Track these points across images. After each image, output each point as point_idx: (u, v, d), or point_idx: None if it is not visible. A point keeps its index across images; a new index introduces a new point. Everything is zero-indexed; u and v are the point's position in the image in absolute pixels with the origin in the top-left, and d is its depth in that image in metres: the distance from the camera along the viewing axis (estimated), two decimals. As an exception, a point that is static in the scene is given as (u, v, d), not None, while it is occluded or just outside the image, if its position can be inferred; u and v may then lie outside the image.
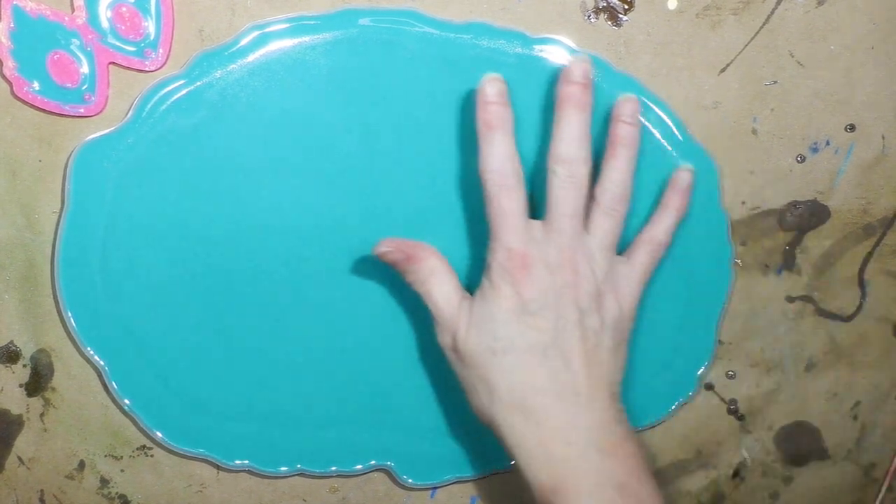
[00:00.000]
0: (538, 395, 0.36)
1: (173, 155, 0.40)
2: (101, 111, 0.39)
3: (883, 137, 0.44)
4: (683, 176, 0.41)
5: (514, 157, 0.38)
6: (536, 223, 0.38)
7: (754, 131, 0.43)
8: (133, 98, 0.39)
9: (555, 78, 0.40)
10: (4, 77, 0.38)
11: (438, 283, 0.39)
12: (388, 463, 0.44)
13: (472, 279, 0.42)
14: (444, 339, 0.39)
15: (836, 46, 0.42)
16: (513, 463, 0.37)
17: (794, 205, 0.44)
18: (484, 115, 0.38)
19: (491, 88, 0.38)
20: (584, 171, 0.38)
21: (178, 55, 0.39)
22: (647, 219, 0.41)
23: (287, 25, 0.39)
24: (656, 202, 0.42)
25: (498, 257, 0.37)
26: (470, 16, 0.40)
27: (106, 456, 0.43)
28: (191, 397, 0.42)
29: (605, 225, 0.38)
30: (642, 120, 0.41)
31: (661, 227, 0.41)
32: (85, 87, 0.39)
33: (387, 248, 0.38)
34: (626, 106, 0.39)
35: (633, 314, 0.40)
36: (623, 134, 0.39)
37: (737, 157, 0.43)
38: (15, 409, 0.42)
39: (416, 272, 0.39)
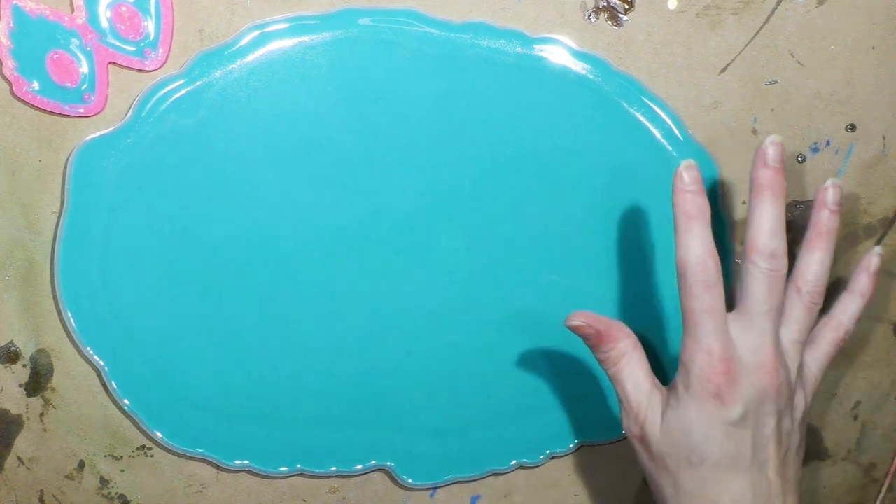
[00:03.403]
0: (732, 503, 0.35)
1: (173, 155, 0.40)
2: (100, 111, 0.39)
3: (883, 137, 0.44)
4: (874, 260, 0.40)
5: (713, 250, 0.36)
6: (732, 316, 0.37)
7: (754, 131, 0.43)
8: (133, 98, 0.39)
9: (555, 78, 0.40)
10: (4, 77, 0.38)
11: (629, 369, 0.38)
12: (388, 463, 0.44)
13: (473, 283, 0.42)
14: (631, 428, 0.38)
15: (836, 46, 0.42)
16: None
17: (794, 205, 0.44)
18: (683, 205, 0.36)
19: (689, 176, 0.36)
20: (784, 264, 0.36)
21: (177, 55, 0.39)
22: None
23: (287, 25, 0.39)
24: (656, 206, 0.42)
25: (698, 361, 0.36)
26: (470, 16, 0.40)
27: (106, 456, 0.43)
28: (191, 397, 0.42)
29: (804, 319, 0.37)
30: (643, 121, 0.42)
31: (847, 314, 0.40)
32: (85, 86, 0.39)
33: (579, 321, 0.37)
34: (833, 192, 0.38)
35: (812, 403, 0.39)
36: (828, 222, 0.38)
37: (737, 157, 0.43)
38: (15, 409, 0.42)
39: (607, 352, 0.38)
